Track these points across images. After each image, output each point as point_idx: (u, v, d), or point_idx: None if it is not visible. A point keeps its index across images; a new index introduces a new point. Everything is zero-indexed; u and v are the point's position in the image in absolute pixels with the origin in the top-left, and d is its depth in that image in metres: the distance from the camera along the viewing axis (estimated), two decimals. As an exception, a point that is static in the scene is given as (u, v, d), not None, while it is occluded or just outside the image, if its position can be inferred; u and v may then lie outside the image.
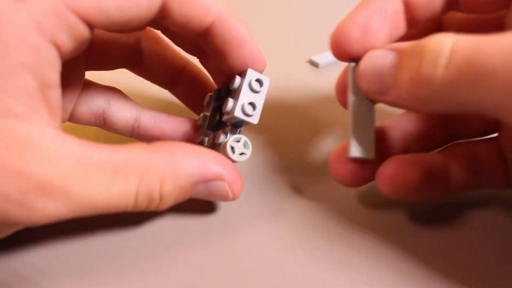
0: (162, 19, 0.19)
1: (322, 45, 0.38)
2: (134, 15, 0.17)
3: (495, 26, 0.20)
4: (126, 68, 0.24)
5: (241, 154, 0.20)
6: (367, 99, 0.19)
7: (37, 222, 0.16)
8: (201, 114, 0.23)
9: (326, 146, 0.25)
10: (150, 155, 0.17)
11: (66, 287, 0.17)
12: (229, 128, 0.21)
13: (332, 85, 0.31)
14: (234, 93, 0.20)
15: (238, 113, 0.19)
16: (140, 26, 0.18)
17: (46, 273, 0.18)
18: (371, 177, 0.19)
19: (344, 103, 0.20)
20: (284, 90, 0.30)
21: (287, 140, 0.26)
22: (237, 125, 0.21)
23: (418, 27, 0.20)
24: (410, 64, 0.16)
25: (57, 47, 0.16)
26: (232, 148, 0.20)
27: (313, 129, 0.26)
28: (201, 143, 0.23)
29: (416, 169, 0.19)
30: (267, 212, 0.21)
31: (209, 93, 0.23)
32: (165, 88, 0.25)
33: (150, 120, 0.23)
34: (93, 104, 0.23)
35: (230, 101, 0.20)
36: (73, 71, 0.21)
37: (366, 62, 0.18)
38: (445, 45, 0.15)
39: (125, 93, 0.24)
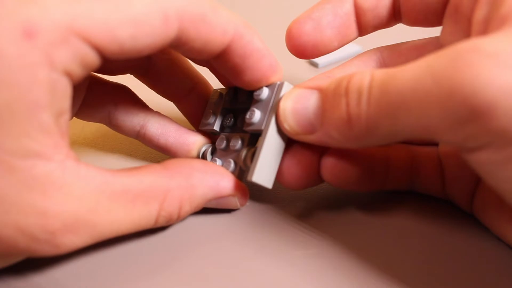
0: (177, 47, 0.18)
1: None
2: (148, 44, 0.17)
3: None
4: (133, 75, 0.24)
5: None
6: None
7: (62, 253, 0.16)
8: (209, 110, 0.23)
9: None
10: (168, 180, 0.18)
11: None
12: (247, 136, 0.21)
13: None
14: (260, 104, 0.20)
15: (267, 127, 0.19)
16: (153, 53, 0.18)
17: (64, 285, 0.18)
18: (315, 181, 0.20)
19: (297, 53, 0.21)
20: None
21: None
22: (256, 134, 0.21)
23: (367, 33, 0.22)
24: (337, 105, 0.16)
25: (69, 76, 0.16)
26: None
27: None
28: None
29: (356, 160, 0.19)
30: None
31: (217, 90, 0.23)
32: (171, 100, 0.24)
33: (156, 131, 0.23)
34: (99, 105, 0.23)
35: (257, 113, 0.20)
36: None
37: (287, 104, 0.18)
38: (365, 81, 0.16)
39: (133, 92, 0.24)
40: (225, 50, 0.19)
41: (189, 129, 0.24)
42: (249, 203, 0.22)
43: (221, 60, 0.19)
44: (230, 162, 0.21)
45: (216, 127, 0.23)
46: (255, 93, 0.20)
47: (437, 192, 0.21)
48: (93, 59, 0.16)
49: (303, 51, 0.21)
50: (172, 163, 0.19)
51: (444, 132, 0.14)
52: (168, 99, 0.24)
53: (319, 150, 0.19)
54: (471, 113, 0.13)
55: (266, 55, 0.19)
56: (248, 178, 0.19)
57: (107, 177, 0.17)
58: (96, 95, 0.22)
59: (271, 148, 0.19)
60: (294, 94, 0.18)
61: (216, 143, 0.22)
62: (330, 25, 0.21)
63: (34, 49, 0.14)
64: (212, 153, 0.23)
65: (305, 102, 0.18)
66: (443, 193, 0.21)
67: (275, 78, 0.20)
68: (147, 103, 0.24)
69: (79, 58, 0.15)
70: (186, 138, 0.23)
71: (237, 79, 0.20)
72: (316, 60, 0.34)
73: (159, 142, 0.23)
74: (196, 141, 0.23)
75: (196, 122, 0.24)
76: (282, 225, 0.21)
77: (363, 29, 0.22)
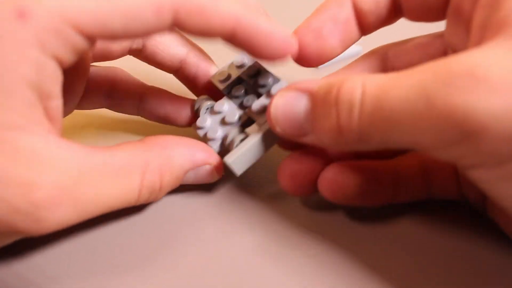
0: (176, 31, 0.19)
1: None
2: (140, 32, 0.17)
3: None
4: (130, 54, 0.25)
5: None
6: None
7: (45, 232, 0.16)
8: (226, 72, 0.23)
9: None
10: (146, 153, 0.18)
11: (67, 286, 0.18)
12: (245, 116, 0.22)
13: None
14: (267, 93, 0.21)
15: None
16: (150, 36, 0.18)
17: (50, 275, 0.18)
18: (314, 191, 0.20)
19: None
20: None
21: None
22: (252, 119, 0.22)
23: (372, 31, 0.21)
24: (327, 115, 0.17)
25: (58, 61, 0.16)
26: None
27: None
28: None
29: (356, 175, 0.19)
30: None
31: (224, 70, 0.23)
32: (168, 72, 0.25)
33: (155, 103, 0.24)
34: (96, 92, 0.23)
35: (259, 102, 0.21)
36: (77, 69, 0.21)
37: (278, 107, 0.18)
38: (356, 93, 0.16)
39: (126, 71, 0.25)
40: (231, 36, 0.18)
41: (187, 97, 0.25)
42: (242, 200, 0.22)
43: (232, 43, 0.19)
44: (216, 140, 0.22)
45: (225, 88, 0.23)
46: (261, 82, 0.21)
47: (454, 195, 0.20)
48: (83, 44, 0.16)
49: (307, 61, 0.21)
50: (149, 138, 0.20)
51: (437, 150, 0.14)
52: (166, 71, 0.25)
53: (323, 160, 0.19)
54: (462, 136, 0.13)
55: (275, 32, 0.19)
56: (225, 159, 0.20)
57: (89, 152, 0.17)
58: (92, 83, 0.23)
59: (260, 142, 0.20)
60: (285, 97, 0.18)
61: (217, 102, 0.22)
62: (331, 34, 0.20)
63: (26, 30, 0.15)
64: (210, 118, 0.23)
65: (296, 106, 0.18)
66: (460, 195, 0.20)
67: (291, 50, 0.20)
68: (146, 78, 0.25)
69: (69, 45, 0.16)
70: (183, 103, 0.24)
71: (256, 56, 0.19)
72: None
73: (159, 112, 0.24)
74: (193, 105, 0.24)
75: (195, 88, 0.25)
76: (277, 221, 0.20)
77: (365, 30, 0.21)
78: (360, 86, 0.16)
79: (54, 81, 0.16)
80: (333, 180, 0.19)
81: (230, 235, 0.20)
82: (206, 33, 0.18)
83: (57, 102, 0.17)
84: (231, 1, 0.18)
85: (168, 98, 0.25)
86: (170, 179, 0.19)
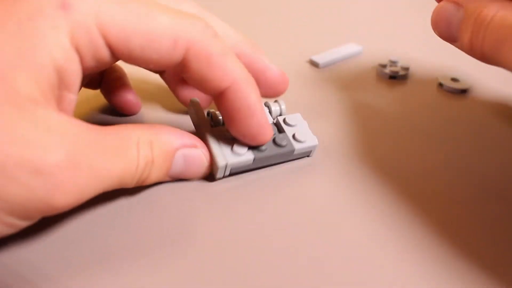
0: (180, 72, 0.20)
1: (322, 45, 0.38)
2: (153, 60, 0.19)
3: None
4: None
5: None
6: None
7: (64, 199, 0.16)
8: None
9: (326, 146, 0.25)
10: (137, 129, 0.19)
11: (62, 283, 0.17)
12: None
13: (332, 85, 0.31)
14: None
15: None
16: (157, 70, 0.19)
17: (43, 271, 0.18)
18: None
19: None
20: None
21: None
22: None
23: None
24: (467, 30, 0.20)
25: (80, 58, 0.18)
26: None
27: (313, 129, 0.26)
28: None
29: None
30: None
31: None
32: (155, 72, 0.26)
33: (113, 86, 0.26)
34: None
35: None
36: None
37: (438, 14, 0.22)
38: (487, 19, 0.19)
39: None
40: (222, 95, 0.20)
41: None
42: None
43: (217, 101, 0.21)
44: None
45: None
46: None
47: None
48: (104, 54, 0.18)
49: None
50: (137, 124, 0.21)
51: None
52: (152, 71, 0.26)
53: None
54: None
55: (257, 114, 0.20)
56: (218, 160, 0.21)
57: (95, 128, 0.18)
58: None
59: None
60: (447, 6, 0.21)
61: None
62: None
63: (65, 20, 0.17)
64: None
65: (451, 16, 0.21)
66: None
67: (260, 140, 0.21)
68: (134, 75, 0.27)
69: (93, 47, 0.17)
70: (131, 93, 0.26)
71: (227, 124, 0.21)
72: (316, 60, 0.34)
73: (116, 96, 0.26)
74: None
75: (177, 90, 0.26)
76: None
77: None
78: (492, 14, 0.19)
79: (75, 74, 0.18)
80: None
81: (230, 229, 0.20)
82: (205, 83, 0.20)
83: (72, 97, 0.18)
84: (237, 63, 0.20)
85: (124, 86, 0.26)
86: (160, 153, 0.20)
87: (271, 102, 0.24)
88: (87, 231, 0.20)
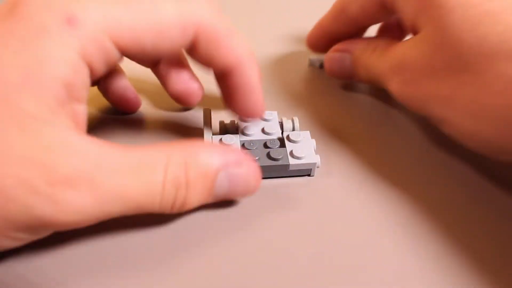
0: (188, 53, 0.21)
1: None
2: (165, 50, 0.19)
3: None
4: None
5: None
6: None
7: (63, 218, 0.16)
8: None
9: (327, 146, 0.25)
10: (168, 149, 0.18)
11: None
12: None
13: (332, 84, 0.31)
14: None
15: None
16: (170, 54, 0.21)
17: (54, 278, 0.18)
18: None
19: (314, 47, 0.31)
20: (284, 90, 0.30)
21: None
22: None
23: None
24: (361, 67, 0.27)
25: (91, 69, 0.18)
26: None
27: (313, 129, 0.26)
28: None
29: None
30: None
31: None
32: (147, 67, 0.26)
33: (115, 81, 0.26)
34: None
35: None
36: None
37: (332, 61, 0.29)
38: (368, 55, 0.26)
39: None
40: (226, 73, 0.21)
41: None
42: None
43: (220, 77, 0.22)
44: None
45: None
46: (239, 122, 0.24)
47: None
48: (115, 57, 0.18)
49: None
50: (171, 142, 0.19)
51: None
52: (144, 66, 0.26)
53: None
54: None
55: (256, 93, 0.22)
56: None
57: (110, 146, 0.17)
58: None
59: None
60: (336, 56, 0.28)
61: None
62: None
63: (72, 36, 0.17)
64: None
65: (345, 61, 0.28)
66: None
67: (254, 114, 0.22)
68: (131, 72, 0.27)
69: (105, 56, 0.18)
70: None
71: (226, 99, 0.23)
72: (316, 60, 0.34)
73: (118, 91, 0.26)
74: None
75: (168, 84, 0.25)
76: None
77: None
78: (368, 55, 0.26)
79: (85, 86, 0.18)
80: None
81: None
82: (212, 61, 0.20)
83: (83, 107, 0.18)
84: (243, 42, 0.20)
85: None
86: (198, 175, 0.18)
87: (284, 118, 0.25)
88: (98, 237, 0.19)
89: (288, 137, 0.24)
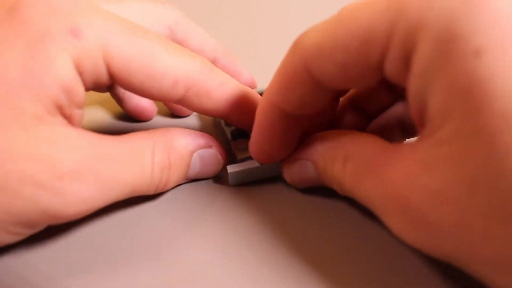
0: (178, 104, 0.21)
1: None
2: (152, 94, 0.19)
3: None
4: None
5: None
6: None
7: (69, 210, 0.16)
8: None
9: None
10: (152, 135, 0.20)
11: (63, 285, 0.18)
12: None
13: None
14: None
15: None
16: (156, 100, 0.21)
17: (48, 274, 0.18)
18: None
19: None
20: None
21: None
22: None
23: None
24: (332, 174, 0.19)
25: (82, 81, 0.18)
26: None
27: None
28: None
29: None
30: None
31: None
32: (104, 92, 0.27)
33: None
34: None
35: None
36: None
37: (293, 176, 0.21)
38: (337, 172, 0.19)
39: None
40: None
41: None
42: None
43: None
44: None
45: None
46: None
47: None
48: (104, 79, 0.18)
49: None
50: (152, 129, 0.21)
51: None
52: (99, 92, 0.27)
53: None
54: None
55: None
56: (228, 166, 0.22)
57: (104, 138, 0.18)
58: None
59: (264, 168, 0.22)
60: (297, 165, 0.21)
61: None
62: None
63: (73, 46, 0.17)
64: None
65: (308, 171, 0.21)
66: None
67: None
68: None
69: (94, 73, 0.18)
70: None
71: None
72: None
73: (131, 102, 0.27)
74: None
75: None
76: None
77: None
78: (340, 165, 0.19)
79: (81, 93, 0.18)
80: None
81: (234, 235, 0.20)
82: (205, 113, 0.21)
83: (80, 111, 0.19)
84: (234, 86, 0.21)
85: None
86: (177, 158, 0.20)
87: None
88: (92, 234, 0.20)
89: None
